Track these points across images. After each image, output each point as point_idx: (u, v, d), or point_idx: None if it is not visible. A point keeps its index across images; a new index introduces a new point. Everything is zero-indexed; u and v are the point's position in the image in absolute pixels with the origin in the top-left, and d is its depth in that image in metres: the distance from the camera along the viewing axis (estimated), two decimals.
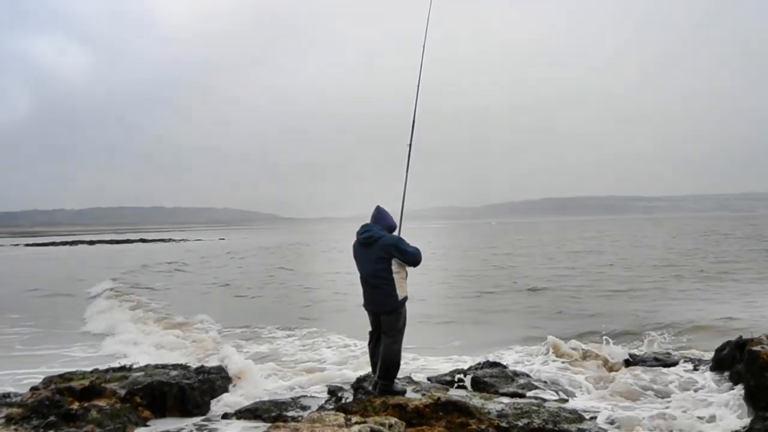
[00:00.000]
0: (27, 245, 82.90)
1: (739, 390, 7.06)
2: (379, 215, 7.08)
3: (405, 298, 6.87)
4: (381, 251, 6.75)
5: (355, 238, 7.11)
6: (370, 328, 7.19)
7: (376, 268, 6.79)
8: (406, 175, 7.45)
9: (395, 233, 7.11)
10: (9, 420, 6.43)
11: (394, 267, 6.77)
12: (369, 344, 7.22)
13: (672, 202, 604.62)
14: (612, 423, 6.72)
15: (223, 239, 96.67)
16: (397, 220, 7.24)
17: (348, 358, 11.30)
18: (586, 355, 9.87)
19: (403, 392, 6.94)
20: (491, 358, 9.79)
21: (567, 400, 7.49)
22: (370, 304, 7.00)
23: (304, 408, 7.65)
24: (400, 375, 7.34)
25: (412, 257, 6.79)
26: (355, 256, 7.10)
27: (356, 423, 5.58)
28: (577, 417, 6.60)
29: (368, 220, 7.09)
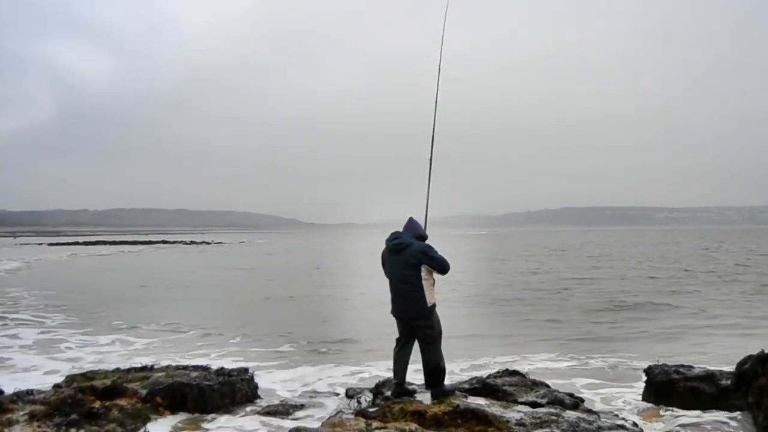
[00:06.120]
0: (50, 244, 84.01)
1: None
2: (410, 224, 7.15)
3: (434, 305, 6.89)
4: (411, 258, 6.79)
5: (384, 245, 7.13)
6: (397, 335, 7.19)
7: (405, 274, 6.82)
8: (428, 188, 7.54)
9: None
10: (32, 417, 6.52)
11: (423, 274, 6.80)
12: (395, 349, 7.20)
13: (693, 213, 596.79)
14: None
15: (243, 242, 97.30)
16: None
17: None
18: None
19: (452, 391, 7.00)
20: (510, 366, 9.75)
21: (587, 411, 7.43)
22: (398, 310, 7.01)
23: (321, 411, 7.69)
24: (417, 381, 7.35)
25: (440, 264, 6.82)
26: (384, 263, 7.15)
27: (377, 428, 5.59)
28: (597, 427, 6.54)
29: (390, 227, 7.15)
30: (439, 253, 6.90)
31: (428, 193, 7.57)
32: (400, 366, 7.05)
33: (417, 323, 6.88)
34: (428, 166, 7.70)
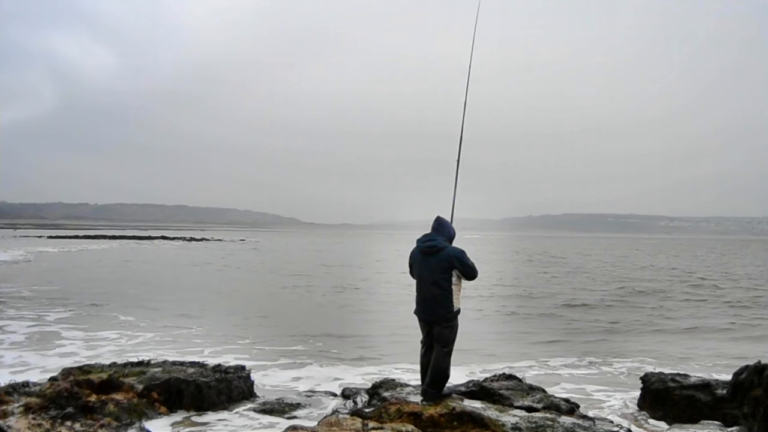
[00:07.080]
0: (50, 237, 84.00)
1: None
2: (441, 225, 6.99)
3: (458, 311, 6.82)
4: (444, 262, 6.69)
5: (414, 246, 7.04)
6: (422, 337, 7.10)
7: (436, 277, 6.70)
8: (455, 191, 7.50)
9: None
10: (27, 409, 6.50)
11: (453, 278, 6.71)
12: (421, 351, 7.11)
13: (693, 222, 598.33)
14: None
15: (244, 240, 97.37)
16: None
17: None
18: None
19: (449, 394, 6.98)
20: (507, 370, 9.75)
21: (583, 416, 7.43)
22: (424, 313, 6.91)
23: (318, 410, 7.68)
24: (414, 382, 7.34)
25: (472, 271, 6.76)
26: (413, 264, 7.01)
27: (373, 429, 5.58)
28: None
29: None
30: (471, 259, 6.85)
31: (455, 192, 7.49)
32: (427, 369, 6.98)
33: (439, 325, 6.82)
34: (455, 166, 7.59)
